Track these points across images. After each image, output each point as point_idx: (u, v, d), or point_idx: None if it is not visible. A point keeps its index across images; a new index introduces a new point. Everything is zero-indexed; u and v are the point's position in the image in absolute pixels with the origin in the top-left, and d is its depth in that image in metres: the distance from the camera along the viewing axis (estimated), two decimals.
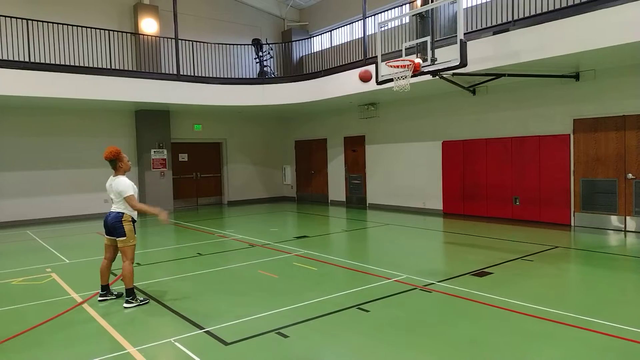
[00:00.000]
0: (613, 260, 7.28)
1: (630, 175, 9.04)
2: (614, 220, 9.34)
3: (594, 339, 4.16)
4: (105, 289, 5.69)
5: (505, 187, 11.06)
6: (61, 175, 13.47)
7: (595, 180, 9.56)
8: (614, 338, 4.14)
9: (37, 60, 11.77)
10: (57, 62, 12.15)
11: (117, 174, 5.55)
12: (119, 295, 5.72)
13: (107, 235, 5.62)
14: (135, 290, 5.55)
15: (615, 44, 7.39)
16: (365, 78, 6.95)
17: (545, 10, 9.12)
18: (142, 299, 5.54)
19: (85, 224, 12.81)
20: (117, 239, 5.47)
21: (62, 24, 11.98)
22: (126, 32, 13.59)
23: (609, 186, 9.35)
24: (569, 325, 4.44)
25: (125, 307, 5.35)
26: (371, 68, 7.22)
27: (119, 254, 5.63)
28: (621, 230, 9.19)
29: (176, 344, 4.28)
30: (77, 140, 13.69)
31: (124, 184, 5.42)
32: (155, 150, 14.63)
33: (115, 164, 5.54)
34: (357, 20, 13.88)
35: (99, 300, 5.61)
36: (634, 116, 8.99)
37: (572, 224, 9.94)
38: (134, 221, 5.56)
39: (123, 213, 5.45)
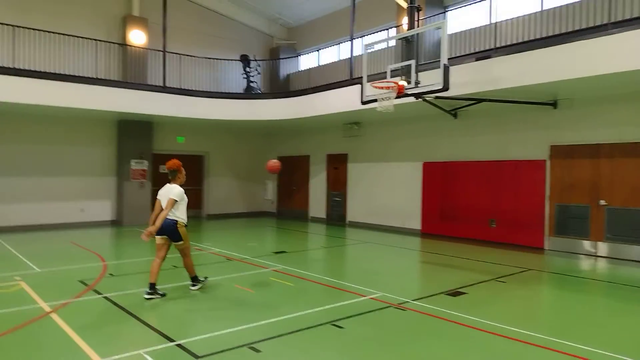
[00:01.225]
0: (584, 284, 7.43)
1: (602, 202, 9.27)
2: (586, 245, 9.53)
3: None
4: (153, 288, 6.10)
5: (482, 210, 11.23)
6: (37, 183, 13.21)
7: (569, 205, 9.78)
8: None
9: (22, 67, 11.67)
10: (42, 70, 12.05)
11: (174, 182, 6.25)
12: (163, 295, 6.16)
13: (159, 234, 6.11)
14: (197, 277, 6.49)
15: (592, 74, 7.67)
16: (273, 169, 7.30)
17: (526, 39, 9.45)
18: (202, 279, 6.55)
19: (59, 232, 12.56)
20: (175, 243, 6.20)
21: (49, 32, 11.93)
22: (114, 43, 13.58)
23: (582, 212, 9.57)
24: (538, 347, 4.50)
25: (191, 289, 6.41)
26: (276, 163, 7.43)
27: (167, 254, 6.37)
28: (592, 255, 9.38)
29: (146, 356, 4.21)
30: (55, 149, 13.47)
31: (177, 191, 6.13)
32: (135, 160, 14.49)
33: (175, 174, 6.28)
34: (345, 42, 14.15)
35: (146, 298, 6.01)
36: (607, 145, 9.27)
37: (546, 247, 10.12)
38: (186, 225, 6.23)
39: (176, 220, 6.11)
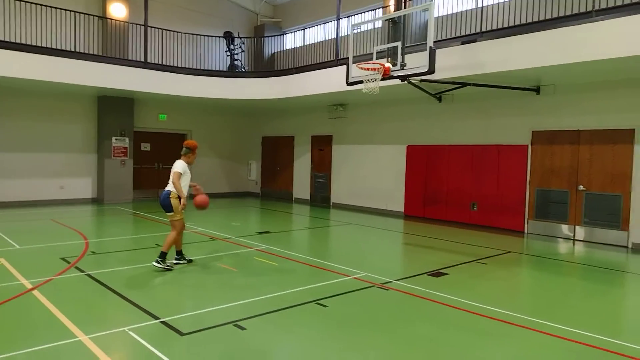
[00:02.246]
0: (561, 266, 7.64)
1: (581, 187, 9.49)
2: (565, 229, 9.78)
3: (541, 339, 4.36)
4: (180, 254, 6.71)
5: (464, 193, 11.38)
6: (14, 158, 12.88)
7: (549, 190, 9.98)
8: (559, 339, 4.35)
9: None
10: (19, 41, 11.62)
11: (183, 159, 6.52)
12: (189, 261, 6.76)
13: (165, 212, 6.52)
14: (166, 256, 6.39)
15: (574, 61, 7.74)
16: (201, 204, 6.76)
17: (511, 24, 9.47)
18: (169, 264, 6.36)
19: (39, 209, 12.33)
20: (167, 214, 6.48)
21: (26, 2, 11.48)
22: (93, 15, 13.16)
23: (561, 196, 9.78)
24: (518, 326, 4.63)
25: (154, 265, 6.27)
26: (204, 200, 6.76)
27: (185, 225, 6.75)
28: (570, 239, 9.63)
29: (130, 333, 4.21)
30: (33, 124, 13.12)
31: (178, 164, 6.45)
32: (116, 138, 14.23)
33: (187, 152, 6.53)
34: (331, 21, 13.98)
35: (174, 263, 6.57)
36: (587, 131, 9.44)
37: (526, 231, 10.34)
38: (180, 199, 6.40)
39: (170, 191, 6.38)
